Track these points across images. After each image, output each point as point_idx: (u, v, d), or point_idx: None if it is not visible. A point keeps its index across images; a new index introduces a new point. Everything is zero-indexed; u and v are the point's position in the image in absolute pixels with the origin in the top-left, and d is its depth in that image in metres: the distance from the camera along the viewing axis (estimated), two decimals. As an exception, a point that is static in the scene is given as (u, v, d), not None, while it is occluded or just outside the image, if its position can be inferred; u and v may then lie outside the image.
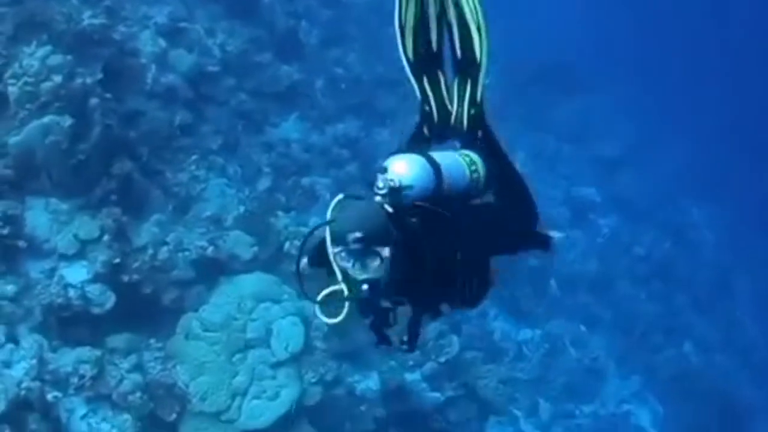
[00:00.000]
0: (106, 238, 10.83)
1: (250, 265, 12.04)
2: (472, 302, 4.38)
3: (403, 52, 4.92)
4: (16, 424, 9.58)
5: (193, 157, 12.71)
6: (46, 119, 10.46)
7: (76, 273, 10.65)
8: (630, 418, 18.27)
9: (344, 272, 4.08)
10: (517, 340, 17.05)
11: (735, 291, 23.07)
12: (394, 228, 3.99)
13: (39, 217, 10.71)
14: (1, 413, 9.48)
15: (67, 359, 10.28)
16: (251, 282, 11.72)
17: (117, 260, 10.82)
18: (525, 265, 16.32)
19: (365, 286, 4.00)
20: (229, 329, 11.23)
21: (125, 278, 10.96)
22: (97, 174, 11.09)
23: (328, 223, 4.03)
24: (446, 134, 4.83)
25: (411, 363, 13.15)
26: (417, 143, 4.81)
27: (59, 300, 10.35)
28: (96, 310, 10.57)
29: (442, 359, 13.51)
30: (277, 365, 11.25)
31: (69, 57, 10.81)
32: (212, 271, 11.82)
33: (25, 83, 10.48)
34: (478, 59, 4.88)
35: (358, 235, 3.89)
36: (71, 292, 10.43)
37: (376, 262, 3.96)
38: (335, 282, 4.12)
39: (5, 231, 10.29)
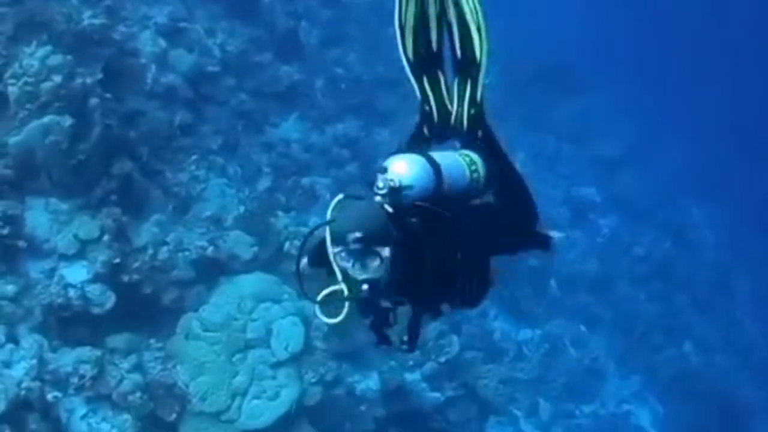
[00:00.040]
0: (106, 238, 10.83)
1: (250, 265, 12.04)
2: (472, 302, 4.37)
3: (403, 52, 4.92)
4: (16, 424, 9.58)
5: (193, 157, 12.71)
6: (46, 119, 10.46)
7: (76, 273, 10.65)
8: (630, 418, 18.27)
9: (344, 272, 4.07)
10: (517, 340, 17.05)
11: (735, 291, 23.08)
12: (394, 228, 3.99)
13: (39, 217, 10.71)
14: (1, 413, 9.48)
15: (67, 359, 10.28)
16: (251, 282, 11.72)
17: (117, 260, 10.82)
18: (525, 265, 16.32)
19: (365, 286, 3.99)
20: (229, 329, 11.23)
21: (125, 278, 10.96)
22: (97, 174, 11.09)
23: (328, 223, 4.02)
24: (446, 134, 4.82)
25: (411, 363, 13.15)
26: (417, 143, 4.81)
27: (59, 300, 10.35)
28: (96, 310, 10.57)
29: (442, 359, 13.51)
30: (277, 365, 11.25)
31: (69, 57, 10.81)
32: (212, 271, 11.82)
33: (25, 83, 10.48)
34: (478, 59, 4.87)
35: (358, 235, 3.88)
36: (71, 292, 10.43)
37: (376, 262, 3.96)
38: (335, 282, 4.12)
39: (5, 231, 10.29)
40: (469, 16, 4.85)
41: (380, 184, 4.10)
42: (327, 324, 4.42)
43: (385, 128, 16.39)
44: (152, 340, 11.07)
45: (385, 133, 16.27)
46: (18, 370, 9.85)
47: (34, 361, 9.95)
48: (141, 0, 13.67)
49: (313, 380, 11.50)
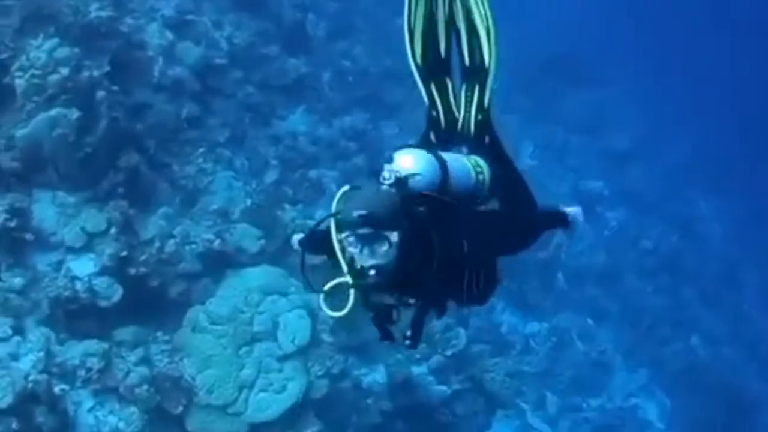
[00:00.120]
0: (113, 231, 10.84)
1: (257, 258, 12.03)
2: (479, 299, 4.35)
3: (412, 57, 4.93)
4: (23, 417, 9.60)
5: (200, 150, 12.71)
6: (53, 112, 10.45)
7: (83, 266, 10.67)
8: (637, 412, 18.27)
9: (349, 262, 4.07)
10: (524, 334, 17.06)
11: (742, 284, 23.06)
12: (402, 214, 3.99)
13: (46, 210, 10.73)
14: (9, 406, 9.50)
15: (74, 352, 10.31)
16: (258, 275, 11.72)
17: (124, 253, 10.83)
18: (532, 259, 16.28)
19: (373, 272, 3.97)
20: (235, 322, 11.23)
21: (132, 271, 10.96)
22: (104, 167, 11.09)
23: (335, 215, 4.03)
24: (453, 140, 4.80)
25: (418, 356, 13.12)
26: (424, 147, 4.79)
27: (66, 293, 10.36)
28: (103, 303, 10.58)
29: (449, 352, 13.48)
30: (284, 358, 11.25)
31: (76, 49, 10.80)
32: (219, 264, 11.82)
33: (32, 76, 10.47)
34: (487, 64, 4.88)
35: (367, 214, 3.88)
36: (78, 285, 10.45)
37: (385, 247, 3.94)
38: (340, 274, 4.10)
39: (12, 224, 10.31)
40: (478, 21, 4.86)
41: (386, 174, 4.08)
42: (331, 317, 4.41)
43: (392, 121, 16.37)
44: (159, 333, 11.08)
45: (393, 126, 16.25)
46: (25, 363, 9.88)
47: (42, 354, 9.97)
48: (148, -8, 13.68)
49: (320, 373, 11.50)
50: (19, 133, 10.43)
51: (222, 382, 10.92)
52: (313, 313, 11.45)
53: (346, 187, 4.10)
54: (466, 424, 13.63)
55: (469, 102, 4.90)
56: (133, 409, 10.47)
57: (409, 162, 4.21)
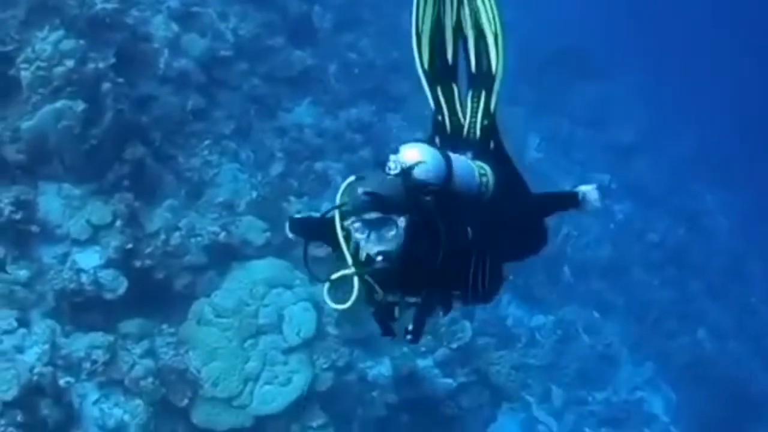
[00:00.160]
0: (118, 223, 10.85)
1: (263, 251, 12.02)
2: (485, 297, 4.33)
3: (419, 62, 4.94)
4: (28, 409, 9.60)
5: (206, 142, 12.70)
6: (58, 104, 10.46)
7: (89, 258, 10.68)
8: (643, 405, 18.25)
9: (354, 253, 4.10)
10: (530, 327, 17.06)
11: (749, 277, 22.99)
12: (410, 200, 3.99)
13: (52, 202, 10.74)
14: (14, 398, 9.51)
15: (79, 344, 10.33)
16: (263, 267, 11.71)
17: (129, 246, 10.83)
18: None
19: (380, 257, 3.97)
20: (241, 315, 11.23)
21: (138, 264, 10.97)
22: (110, 159, 11.10)
23: (341, 206, 4.04)
24: (458, 145, 4.77)
25: (423, 349, 13.11)
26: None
27: (72, 285, 10.37)
28: (108, 296, 10.59)
29: (455, 345, 13.46)
30: (289, 351, 11.25)
31: (81, 41, 10.79)
32: (224, 256, 11.82)
33: (38, 68, 10.47)
34: (494, 70, 4.88)
35: (377, 194, 3.88)
36: (84, 278, 10.46)
37: (392, 232, 3.93)
38: (345, 266, 4.11)
39: (18, 216, 10.32)
40: (486, 25, 4.88)
41: (392, 164, 4.08)
42: (335, 310, 4.41)
43: (398, 113, 16.34)
44: (164, 326, 11.09)
45: (398, 118, 16.22)
46: (30, 355, 9.90)
47: (47, 347, 9.99)
48: (154, -16, 13.64)
49: (325, 366, 11.49)
50: (25, 125, 10.43)
51: (227, 375, 10.93)
52: (318, 306, 11.44)
53: (351, 178, 4.09)
54: (471, 416, 13.62)
55: (475, 107, 4.90)
56: (138, 401, 10.49)
57: (415, 154, 4.19)
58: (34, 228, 10.52)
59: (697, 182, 23.91)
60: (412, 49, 4.94)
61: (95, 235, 10.78)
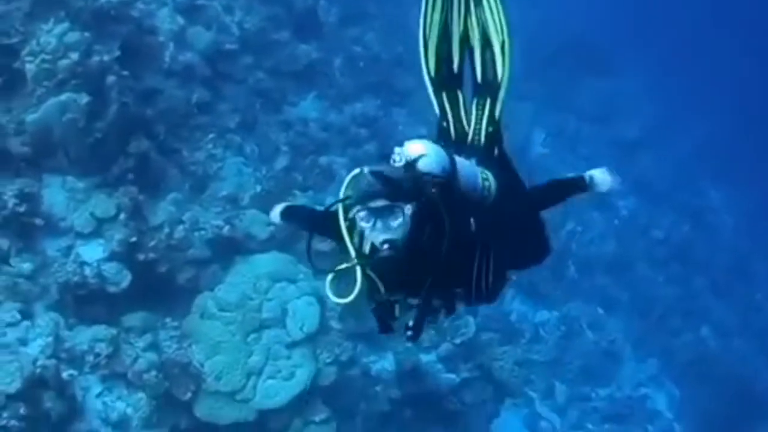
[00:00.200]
0: (122, 216, 10.85)
1: (266, 245, 12.02)
2: (488, 297, 4.32)
3: (426, 69, 4.99)
4: (31, 402, 9.60)
5: (211, 136, 12.69)
6: (63, 97, 10.45)
7: (93, 251, 10.69)
8: (646, 402, 18.22)
9: (357, 247, 4.11)
10: (534, 322, 17.03)
11: (753, 274, 22.94)
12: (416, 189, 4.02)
13: (56, 195, 10.74)
14: (17, 391, 9.51)
15: (82, 337, 10.33)
16: (267, 261, 11.71)
17: (133, 239, 10.83)
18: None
19: (386, 246, 3.98)
20: (244, 309, 11.23)
21: (141, 257, 10.97)
22: (114, 152, 11.10)
23: (343, 200, 4.06)
24: (462, 151, 4.77)
25: (427, 344, 13.12)
26: None
27: (75, 278, 10.37)
28: (112, 289, 10.60)
29: (458, 340, 13.45)
30: (293, 345, 11.25)
31: (86, 34, 10.78)
32: (228, 250, 11.82)
33: (43, 60, 10.46)
34: (500, 78, 4.92)
35: (384, 175, 3.92)
36: (87, 271, 10.46)
37: (399, 220, 3.95)
38: (348, 259, 4.11)
39: (22, 208, 10.32)
40: (493, 33, 4.93)
41: (396, 157, 4.11)
42: (337, 304, 4.42)
43: (403, 108, 16.31)
44: (168, 319, 11.08)
45: (404, 113, 16.20)
46: (34, 348, 9.90)
47: (50, 339, 9.99)
48: (159, -23, 13.62)
49: (328, 360, 11.49)
50: (30, 117, 10.42)
51: (230, 369, 10.93)
52: (322, 300, 11.44)
53: (356, 170, 4.10)
54: (474, 412, 13.63)
55: (480, 114, 4.93)
56: (141, 395, 10.50)
57: (419, 147, 4.21)
58: (38, 221, 10.52)
59: (702, 179, 23.86)
60: (418, 52, 4.98)
61: (99, 228, 10.79)
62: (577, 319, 17.60)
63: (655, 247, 20.76)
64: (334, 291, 4.21)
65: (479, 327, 13.89)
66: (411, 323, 4.27)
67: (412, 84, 16.01)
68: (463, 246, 4.11)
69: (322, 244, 4.50)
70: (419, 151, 4.17)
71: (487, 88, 4.95)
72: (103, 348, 10.32)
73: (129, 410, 10.43)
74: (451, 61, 5.03)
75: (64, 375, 10.02)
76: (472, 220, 4.17)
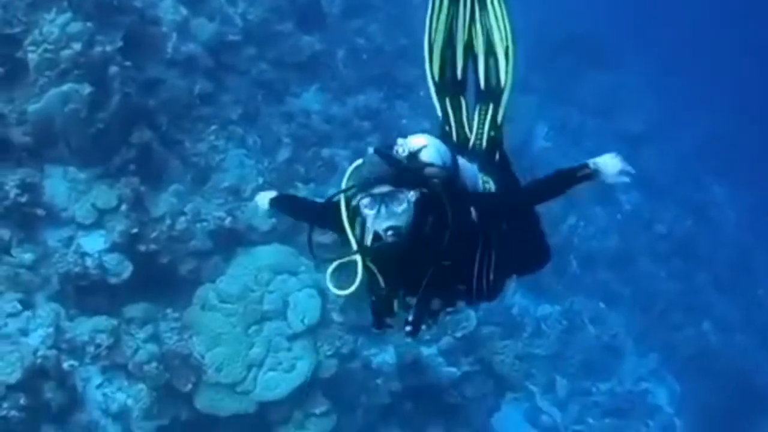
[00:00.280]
0: (123, 207, 10.83)
1: (268, 237, 12.00)
2: (489, 294, 4.30)
3: (430, 74, 5.02)
4: (31, 393, 9.61)
5: (213, 127, 12.67)
6: (65, 87, 10.42)
7: (94, 242, 10.68)
8: (647, 396, 18.23)
9: (359, 240, 4.11)
10: (535, 316, 17.05)
11: (755, 270, 22.92)
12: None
13: (57, 185, 10.73)
14: (18, 381, 9.51)
15: (83, 328, 10.33)
16: (268, 254, 11.69)
17: (135, 230, 10.82)
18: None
19: (390, 232, 3.98)
20: (245, 301, 11.22)
21: (142, 248, 10.96)
22: (116, 143, 11.07)
23: (347, 190, 4.05)
24: (464, 156, 4.75)
25: (428, 337, 13.09)
26: None
27: (76, 269, 10.37)
28: (113, 280, 10.59)
29: (459, 334, 13.43)
30: (293, 337, 11.24)
31: (89, 24, 10.73)
32: (230, 241, 11.80)
33: (45, 50, 10.43)
34: (503, 84, 4.93)
35: (390, 156, 3.98)
36: (88, 261, 10.45)
37: (403, 206, 3.96)
38: (350, 251, 4.11)
39: (24, 199, 10.30)
40: (498, 40, 4.93)
41: (399, 148, 4.13)
42: (338, 296, 4.42)
43: (406, 100, 16.27)
44: (169, 311, 11.08)
45: (407, 106, 16.16)
46: (35, 339, 9.91)
47: (51, 330, 10.00)
48: (162, -33, 13.58)
49: (329, 353, 11.48)
50: (31, 108, 10.40)
51: (231, 361, 10.92)
52: (323, 293, 11.43)
53: (358, 161, 4.13)
54: (475, 406, 13.62)
55: (482, 119, 4.94)
56: (141, 386, 10.50)
57: (422, 140, 4.24)
58: (40, 211, 10.50)
59: (705, 174, 23.83)
60: (422, 56, 5.03)
61: (100, 219, 10.77)
62: (579, 314, 17.62)
63: (658, 242, 20.75)
64: (335, 283, 4.19)
65: (480, 321, 13.86)
66: (410, 318, 4.25)
67: (415, 76, 15.98)
68: (465, 238, 4.11)
69: (323, 237, 4.48)
70: (422, 143, 4.19)
71: (490, 94, 4.96)
72: (103, 339, 10.32)
73: (129, 401, 10.44)
74: (455, 67, 5.05)
75: (65, 366, 10.03)
76: (473, 213, 4.16)
